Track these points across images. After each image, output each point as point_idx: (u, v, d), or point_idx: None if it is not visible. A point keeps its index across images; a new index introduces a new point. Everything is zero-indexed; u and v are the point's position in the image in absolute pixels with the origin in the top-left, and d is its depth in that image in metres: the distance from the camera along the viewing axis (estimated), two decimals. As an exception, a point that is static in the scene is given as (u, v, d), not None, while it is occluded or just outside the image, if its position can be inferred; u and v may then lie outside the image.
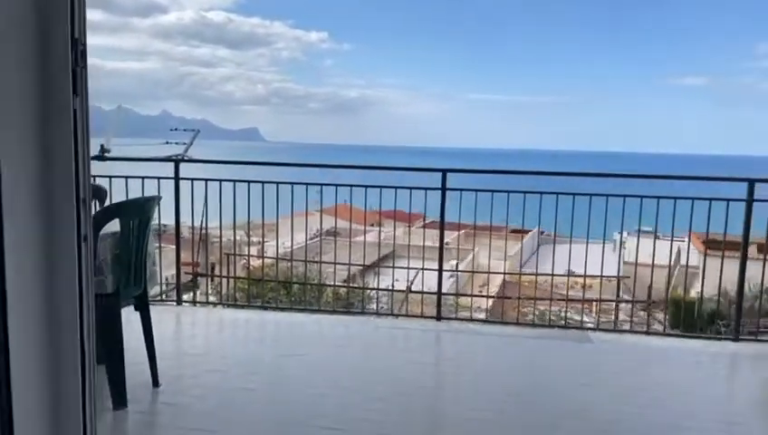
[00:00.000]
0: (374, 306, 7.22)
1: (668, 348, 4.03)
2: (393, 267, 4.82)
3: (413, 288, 6.87)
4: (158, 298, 5.23)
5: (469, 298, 6.28)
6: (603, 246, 5.56)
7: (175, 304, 5.00)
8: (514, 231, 52.84)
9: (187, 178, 4.74)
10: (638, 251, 5.38)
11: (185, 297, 5.21)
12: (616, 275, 25.23)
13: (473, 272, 9.99)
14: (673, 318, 14.17)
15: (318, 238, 32.62)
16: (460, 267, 20.37)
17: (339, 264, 6.31)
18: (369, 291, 9.26)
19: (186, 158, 5.32)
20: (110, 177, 4.70)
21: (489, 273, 6.90)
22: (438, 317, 4.47)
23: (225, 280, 6.47)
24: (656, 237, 4.80)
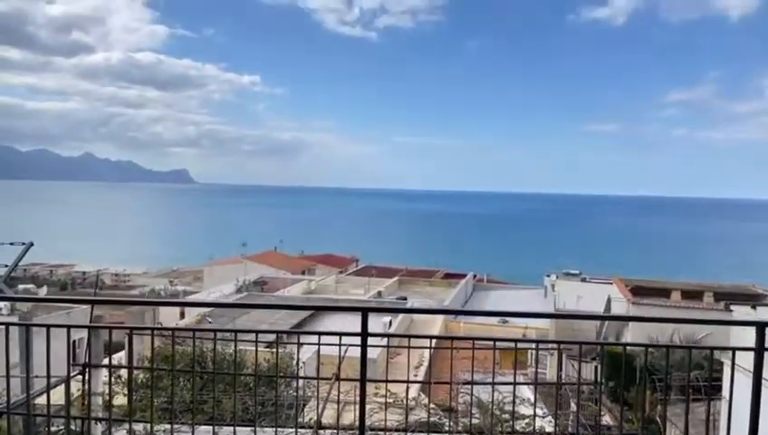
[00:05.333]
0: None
1: None
2: (317, 337, 3.98)
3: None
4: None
5: (398, 382, 5.52)
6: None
7: None
8: (448, 275, 52.55)
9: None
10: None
11: None
12: (551, 327, 24.70)
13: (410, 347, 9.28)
14: (608, 370, 13.98)
15: (244, 294, 30.88)
16: (394, 324, 19.74)
17: (257, 341, 5.40)
18: (292, 364, 8.38)
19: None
20: None
21: (421, 347, 6.19)
22: None
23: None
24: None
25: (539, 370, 6.37)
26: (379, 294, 33.06)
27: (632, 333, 21.10)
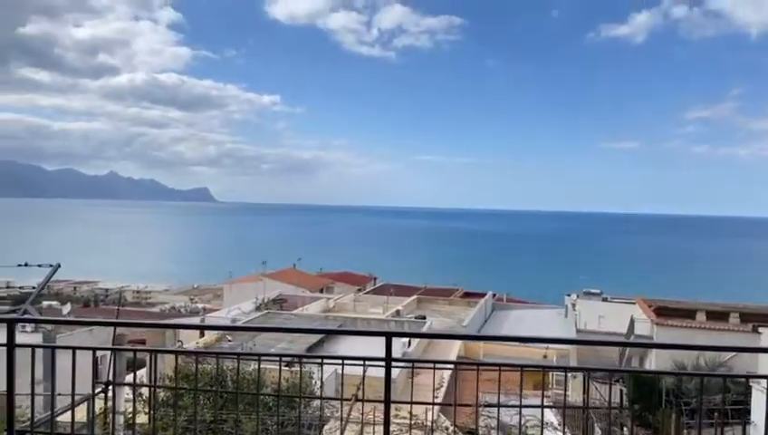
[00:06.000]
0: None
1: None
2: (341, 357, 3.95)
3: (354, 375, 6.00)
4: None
5: (422, 404, 5.45)
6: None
7: None
8: (467, 294, 52.04)
9: (25, 345, 3.53)
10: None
11: None
12: (573, 347, 24.35)
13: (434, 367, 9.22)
14: (633, 393, 13.64)
15: (263, 312, 30.87)
16: (413, 344, 19.61)
17: (277, 362, 5.41)
18: (312, 383, 8.35)
19: (25, 315, 4.27)
20: None
21: (439, 368, 6.12)
22: None
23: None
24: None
25: (561, 392, 6.21)
26: (398, 312, 32.86)
27: (657, 356, 20.65)
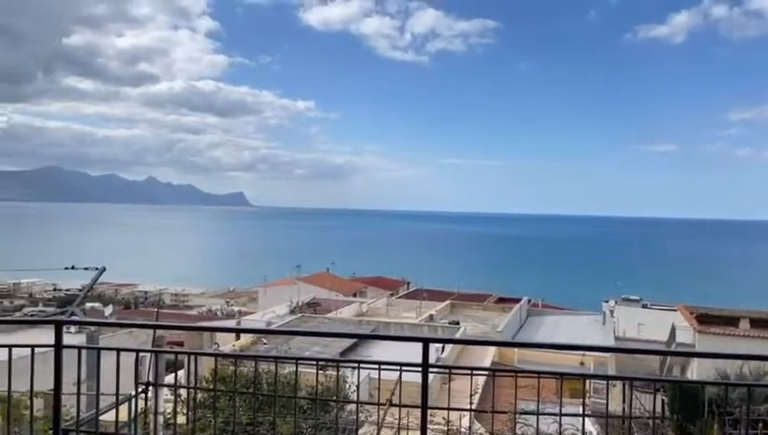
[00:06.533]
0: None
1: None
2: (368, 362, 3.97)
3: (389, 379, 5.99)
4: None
5: (458, 410, 5.39)
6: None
7: None
8: (501, 299, 51.57)
9: (72, 347, 3.68)
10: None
11: None
12: (611, 354, 23.79)
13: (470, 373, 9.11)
14: (675, 403, 13.24)
15: (297, 315, 31.16)
16: (447, 349, 19.50)
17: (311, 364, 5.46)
18: (346, 388, 8.38)
19: (73, 317, 4.40)
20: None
21: (473, 374, 6.07)
22: None
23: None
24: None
25: (599, 400, 6.05)
26: (431, 317, 32.75)
27: (699, 364, 20.05)
